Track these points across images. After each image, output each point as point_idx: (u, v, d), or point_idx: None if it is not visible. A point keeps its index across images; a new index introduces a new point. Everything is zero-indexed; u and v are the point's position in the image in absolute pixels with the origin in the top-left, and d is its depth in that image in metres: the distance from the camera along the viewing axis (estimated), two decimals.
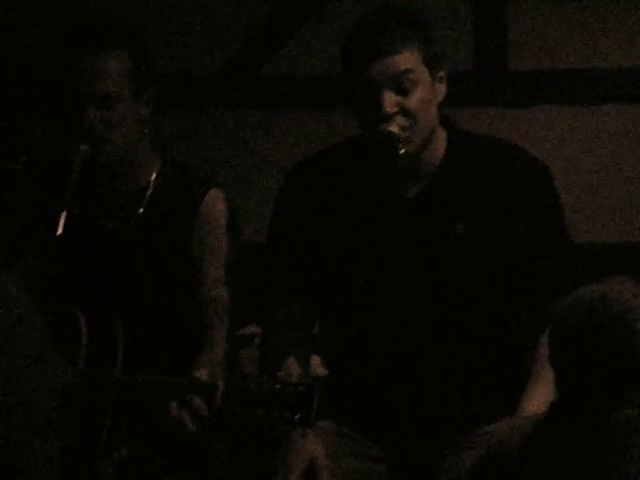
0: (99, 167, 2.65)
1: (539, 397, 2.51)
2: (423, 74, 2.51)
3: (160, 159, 2.75)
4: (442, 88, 2.56)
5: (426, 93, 2.51)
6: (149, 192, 2.71)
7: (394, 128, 2.49)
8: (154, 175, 2.72)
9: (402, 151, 2.51)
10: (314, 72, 3.86)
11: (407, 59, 2.49)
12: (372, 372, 2.60)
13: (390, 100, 2.48)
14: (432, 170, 2.58)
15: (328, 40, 3.70)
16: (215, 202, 2.72)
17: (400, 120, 2.49)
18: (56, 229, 2.48)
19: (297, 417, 2.25)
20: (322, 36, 3.80)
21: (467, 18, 3.81)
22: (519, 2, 3.78)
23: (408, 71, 2.48)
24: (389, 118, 2.48)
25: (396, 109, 2.49)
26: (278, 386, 2.28)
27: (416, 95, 2.50)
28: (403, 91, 2.49)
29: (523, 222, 2.58)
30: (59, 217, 2.49)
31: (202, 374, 2.47)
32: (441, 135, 2.60)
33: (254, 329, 2.96)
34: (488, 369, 2.60)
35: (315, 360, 2.59)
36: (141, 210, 2.71)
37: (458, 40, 3.79)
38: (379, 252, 2.58)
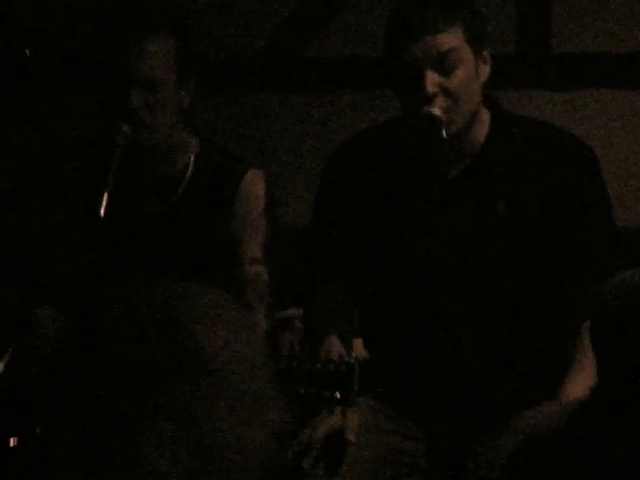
0: (139, 149, 2.66)
1: (580, 383, 2.50)
2: (466, 54, 2.49)
3: (199, 141, 2.76)
4: (486, 69, 2.54)
5: (469, 73, 2.49)
6: (188, 174, 2.72)
7: (436, 110, 2.48)
8: (193, 157, 2.73)
9: (444, 134, 2.49)
10: (358, 53, 3.84)
11: (450, 38, 2.47)
12: (412, 353, 2.60)
13: (432, 80, 2.46)
14: (475, 151, 2.57)
15: (371, 20, 3.67)
16: (254, 182, 2.72)
17: (441, 101, 2.47)
18: (99, 210, 2.49)
19: (338, 395, 2.26)
20: (365, 16, 3.78)
21: (510, 0, 3.77)
22: None
23: (451, 51, 2.47)
24: (431, 99, 2.47)
25: (437, 89, 2.47)
26: (319, 365, 2.29)
27: (459, 75, 2.48)
28: (445, 71, 2.48)
29: (566, 206, 2.57)
30: (102, 198, 2.50)
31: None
32: (484, 116, 2.58)
33: (294, 312, 2.97)
34: (528, 352, 2.59)
35: (357, 342, 2.59)
36: (181, 191, 2.72)
37: (501, 22, 3.76)
38: (422, 232, 2.58)
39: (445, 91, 2.48)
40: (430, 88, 2.46)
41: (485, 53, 2.54)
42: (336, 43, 3.87)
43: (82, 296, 2.64)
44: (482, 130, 2.58)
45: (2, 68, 3.74)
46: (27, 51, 3.60)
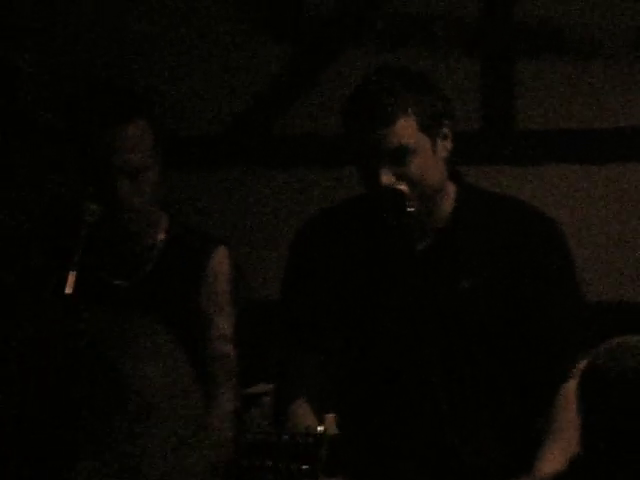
0: (110, 226, 2.67)
1: (557, 455, 2.51)
2: (420, 141, 2.52)
3: (168, 218, 2.77)
4: (447, 145, 2.57)
5: (425, 160, 2.52)
6: (157, 250, 2.73)
7: (401, 185, 2.51)
8: (162, 234, 2.74)
9: (411, 208, 2.52)
10: (323, 130, 3.89)
11: (403, 128, 2.49)
12: (383, 426, 2.59)
13: (386, 173, 2.50)
14: (441, 224, 2.59)
15: (336, 99, 3.72)
16: (222, 259, 2.74)
17: (400, 185, 2.50)
18: (64, 288, 2.50)
19: (304, 468, 2.25)
20: (332, 93, 3.83)
21: (475, 77, 3.84)
22: (526, 62, 3.81)
23: (403, 144, 2.50)
24: (385, 188, 2.49)
25: (393, 179, 2.50)
26: (286, 437, 2.28)
27: (415, 163, 2.51)
28: (400, 162, 2.50)
29: (532, 278, 2.58)
30: (68, 276, 2.51)
31: (209, 427, 2.46)
32: (450, 190, 2.61)
33: (264, 387, 2.96)
34: (499, 423, 2.60)
35: (329, 418, 2.59)
36: (149, 268, 2.72)
37: (466, 99, 3.82)
38: (390, 305, 2.59)
39: (402, 177, 2.51)
40: (385, 181, 2.49)
41: (444, 130, 2.57)
42: (302, 121, 3.92)
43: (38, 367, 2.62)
44: (448, 203, 2.60)
45: None
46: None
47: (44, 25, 3.96)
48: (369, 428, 2.61)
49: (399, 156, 2.49)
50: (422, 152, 2.51)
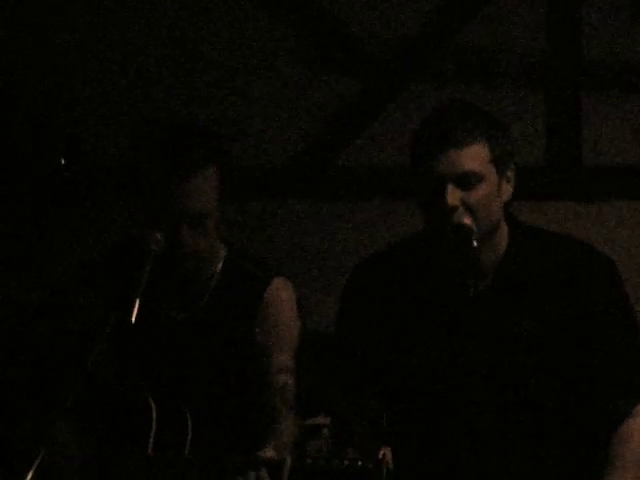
0: (172, 257, 2.69)
1: None
2: (489, 171, 2.51)
3: (227, 249, 2.78)
4: (509, 188, 2.55)
5: (490, 190, 2.51)
6: (214, 281, 2.74)
7: (466, 219, 2.50)
8: (220, 264, 2.75)
9: (475, 243, 2.51)
10: (388, 163, 3.89)
11: (474, 153, 2.50)
12: (438, 465, 2.57)
13: (453, 194, 2.48)
14: (495, 266, 2.57)
15: (402, 131, 3.73)
16: (280, 290, 2.73)
17: (462, 213, 2.49)
18: (130, 316, 2.51)
19: None
20: (396, 126, 3.84)
21: (541, 113, 3.83)
22: (592, 97, 3.79)
23: (474, 169, 2.49)
24: (451, 211, 2.49)
25: (457, 202, 2.49)
26: (346, 462, 2.27)
27: (480, 191, 2.50)
28: (467, 187, 2.50)
29: (589, 318, 2.56)
30: (133, 304, 2.53)
31: (269, 452, 2.46)
32: (503, 230, 2.59)
33: (322, 419, 2.95)
34: (557, 467, 2.57)
35: (385, 451, 2.57)
36: (206, 299, 2.73)
37: (531, 135, 3.80)
38: (446, 348, 2.57)
39: (465, 204, 2.50)
40: (451, 200, 2.48)
41: (509, 173, 2.55)
42: (366, 154, 3.93)
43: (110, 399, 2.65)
44: (501, 245, 2.58)
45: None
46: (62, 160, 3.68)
47: (111, 65, 4.02)
48: (422, 466, 2.59)
49: (467, 181, 2.49)
50: (489, 183, 2.51)
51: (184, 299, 2.74)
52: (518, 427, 2.55)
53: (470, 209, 2.49)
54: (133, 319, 2.51)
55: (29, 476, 2.39)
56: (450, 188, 2.48)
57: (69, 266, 3.03)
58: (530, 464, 2.55)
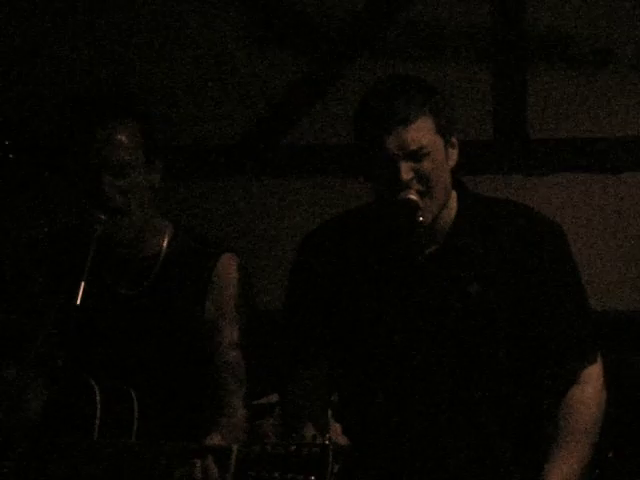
0: (115, 236, 2.68)
1: (565, 461, 2.50)
2: (436, 141, 2.53)
3: (172, 226, 2.78)
4: (454, 154, 2.58)
5: (439, 159, 2.53)
6: (161, 258, 2.73)
7: (413, 195, 2.51)
8: (166, 241, 2.74)
9: (421, 219, 2.52)
10: (331, 141, 3.90)
11: (421, 127, 2.51)
12: (389, 437, 2.59)
13: (406, 168, 2.50)
14: (444, 232, 2.59)
15: (349, 107, 3.73)
16: (228, 266, 2.73)
17: (416, 185, 2.51)
18: (75, 299, 2.50)
19: (312, 478, 2.24)
20: (344, 103, 3.84)
21: (487, 87, 3.84)
22: (538, 71, 3.81)
23: (422, 141, 2.51)
24: (406, 185, 2.50)
25: (411, 175, 2.51)
26: (293, 448, 2.27)
27: (430, 161, 2.52)
28: (418, 158, 2.51)
29: (538, 282, 2.57)
30: (78, 287, 2.51)
31: (216, 438, 2.46)
32: (452, 198, 2.61)
33: (275, 398, 2.95)
34: (505, 427, 2.59)
35: (335, 427, 2.58)
36: (153, 275, 2.72)
37: (478, 109, 3.82)
38: (395, 315, 2.58)
39: (418, 175, 2.51)
40: (405, 175, 2.50)
41: (453, 139, 2.58)
42: (313, 131, 3.93)
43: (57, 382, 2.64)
44: (450, 212, 2.61)
45: None
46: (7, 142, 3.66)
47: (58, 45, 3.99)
48: (373, 438, 2.61)
49: (417, 154, 2.50)
50: (437, 152, 2.53)
51: (130, 276, 2.73)
52: (468, 391, 2.56)
53: (424, 179, 2.51)
54: (78, 301, 2.49)
55: None
56: (402, 164, 2.49)
57: (15, 249, 3.01)
58: (480, 430, 2.57)
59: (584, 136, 3.79)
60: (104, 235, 2.63)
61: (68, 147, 2.69)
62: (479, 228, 2.60)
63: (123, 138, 2.64)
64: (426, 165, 2.51)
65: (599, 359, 2.62)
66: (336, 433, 2.51)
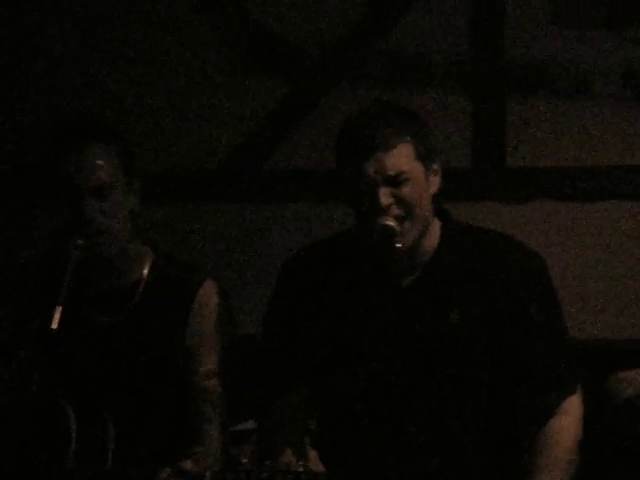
0: (95, 261, 2.68)
1: None
2: (416, 168, 2.54)
3: (152, 252, 2.78)
4: (436, 180, 2.59)
5: (420, 185, 2.54)
6: (142, 286, 2.73)
7: (391, 221, 2.52)
8: (147, 268, 2.75)
9: (399, 245, 2.53)
10: (312, 166, 3.91)
11: (401, 153, 2.52)
12: (367, 464, 2.59)
13: (385, 193, 2.51)
14: (426, 260, 2.60)
15: (329, 133, 3.75)
16: (209, 294, 2.73)
17: (395, 210, 2.52)
18: (51, 323, 2.50)
19: None
20: (323, 129, 3.86)
21: (466, 115, 3.86)
22: (517, 100, 3.83)
23: (402, 167, 2.52)
24: (384, 211, 2.51)
25: (391, 200, 2.52)
26: (265, 475, 2.27)
27: (410, 187, 2.53)
28: (397, 183, 2.53)
29: (517, 314, 2.59)
30: (54, 311, 2.51)
31: (189, 465, 2.46)
32: (435, 226, 2.62)
33: (252, 424, 2.95)
34: (484, 458, 2.59)
35: (312, 454, 2.58)
36: (134, 303, 2.72)
37: (457, 137, 3.84)
38: (374, 342, 2.59)
39: (398, 200, 2.52)
40: (384, 201, 2.51)
41: (435, 166, 2.59)
42: (294, 156, 3.94)
43: (28, 407, 2.63)
44: (433, 240, 2.62)
45: None
46: None
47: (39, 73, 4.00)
48: (352, 464, 2.61)
49: (396, 181, 2.51)
50: (418, 179, 2.54)
51: (109, 304, 2.73)
52: (446, 419, 2.57)
53: (403, 204, 2.52)
54: (55, 325, 2.49)
55: None
56: (381, 189, 2.51)
57: None
58: (459, 458, 2.58)
59: (561, 164, 3.81)
60: (83, 261, 2.63)
61: (47, 171, 2.70)
62: (461, 257, 2.61)
63: (102, 161, 2.66)
64: (405, 191, 2.52)
65: (578, 390, 2.63)
66: (313, 460, 2.51)
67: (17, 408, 2.60)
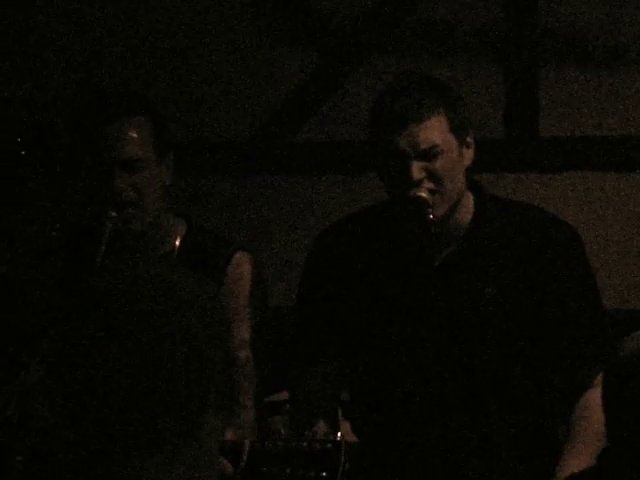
0: (126, 234, 2.68)
1: (577, 465, 2.49)
2: (450, 140, 2.52)
3: (185, 224, 2.77)
4: (469, 153, 2.57)
5: (452, 158, 2.52)
6: (174, 257, 2.72)
7: (423, 192, 2.50)
8: (179, 240, 2.74)
9: (431, 216, 2.51)
10: (346, 138, 3.89)
11: (434, 125, 2.50)
12: (400, 437, 2.58)
13: (417, 167, 2.49)
14: (460, 235, 2.59)
15: (361, 105, 3.73)
16: (241, 264, 2.72)
17: (427, 184, 2.50)
18: None
19: (324, 475, 2.23)
20: (355, 101, 3.84)
21: (498, 85, 3.83)
22: (550, 68, 3.80)
23: (435, 140, 2.50)
24: (417, 184, 2.49)
25: (423, 174, 2.50)
26: (305, 444, 2.26)
27: (443, 160, 2.51)
28: (430, 157, 2.50)
29: (552, 286, 2.57)
30: None
31: (227, 435, 2.45)
32: (468, 200, 2.60)
33: (285, 396, 2.95)
34: (518, 430, 2.58)
35: (345, 425, 2.58)
36: None
37: (489, 107, 3.81)
38: (408, 316, 2.58)
39: (430, 174, 2.50)
40: (416, 175, 2.49)
41: (469, 139, 2.56)
42: (325, 128, 3.93)
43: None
44: (466, 214, 2.60)
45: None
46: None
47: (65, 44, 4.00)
48: (384, 437, 2.60)
49: (429, 153, 2.49)
50: (450, 152, 2.51)
51: None
52: (479, 393, 2.56)
53: (435, 178, 2.50)
54: None
55: None
56: (414, 163, 2.49)
57: (28, 248, 3.02)
58: (491, 433, 2.57)
59: (597, 134, 3.77)
60: (115, 233, 2.63)
61: (79, 145, 2.69)
62: (495, 231, 2.59)
63: (134, 134, 2.64)
64: (438, 164, 2.50)
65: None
66: (346, 431, 2.50)
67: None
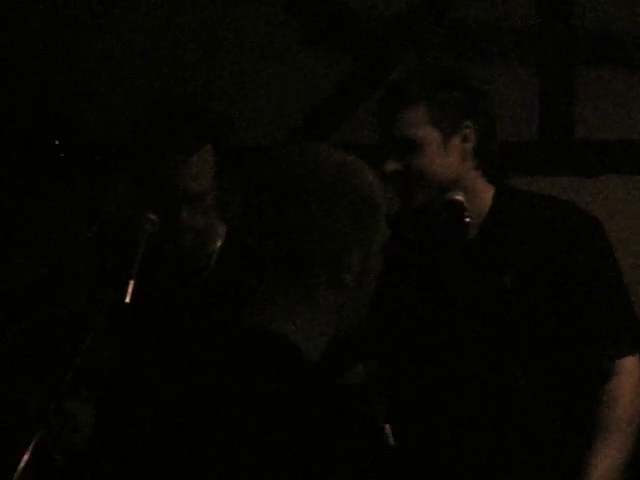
0: (169, 239, 2.69)
1: (608, 454, 2.50)
2: (429, 134, 2.49)
3: (226, 228, 2.79)
4: (465, 146, 2.54)
5: (433, 152, 2.50)
6: (214, 259, 2.74)
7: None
8: (220, 243, 2.75)
9: (468, 219, 2.53)
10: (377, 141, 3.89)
11: (408, 118, 2.48)
12: (422, 422, 2.59)
13: (391, 159, 2.49)
14: (479, 223, 2.58)
15: None
16: None
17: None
18: (124, 297, 2.52)
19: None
20: None
21: (533, 86, 3.82)
22: (586, 70, 3.79)
23: (407, 133, 2.49)
24: (389, 177, 2.48)
25: (396, 168, 2.49)
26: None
27: (421, 155, 2.50)
28: (407, 150, 2.50)
29: (573, 273, 2.56)
30: (127, 285, 2.53)
31: None
32: (486, 191, 2.60)
33: None
34: (543, 421, 2.58)
35: (386, 428, 2.58)
36: (205, 277, 2.74)
37: (524, 109, 3.80)
38: (428, 301, 2.59)
39: (409, 169, 2.50)
40: (387, 167, 2.49)
41: (466, 131, 2.54)
42: (359, 131, 3.93)
43: (108, 381, 2.66)
44: (484, 204, 2.59)
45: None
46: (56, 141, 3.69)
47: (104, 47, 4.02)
48: (407, 421, 2.61)
49: (405, 146, 2.49)
50: (430, 146, 2.49)
51: (182, 278, 2.74)
52: (503, 380, 2.56)
53: (415, 173, 2.49)
54: (127, 299, 2.51)
55: (25, 458, 2.40)
56: (390, 157, 2.49)
57: (65, 247, 3.04)
58: (517, 417, 2.57)
59: (631, 137, 3.76)
60: (155, 234, 2.64)
61: (135, 164, 2.65)
62: (513, 220, 2.59)
63: (200, 169, 2.60)
64: (415, 159, 2.49)
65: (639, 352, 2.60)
66: (386, 433, 2.51)
67: (95, 380, 2.63)
